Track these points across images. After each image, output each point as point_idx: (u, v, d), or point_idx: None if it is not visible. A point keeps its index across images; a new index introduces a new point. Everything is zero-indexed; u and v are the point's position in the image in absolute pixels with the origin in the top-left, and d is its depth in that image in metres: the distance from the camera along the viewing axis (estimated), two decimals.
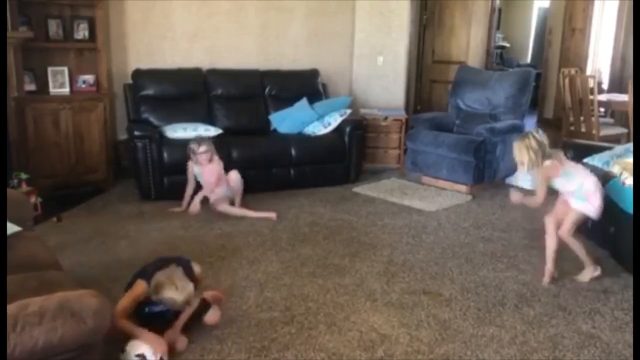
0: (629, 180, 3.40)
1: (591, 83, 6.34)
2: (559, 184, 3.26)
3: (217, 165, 4.41)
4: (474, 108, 5.66)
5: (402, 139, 5.88)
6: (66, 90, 4.93)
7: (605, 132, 6.33)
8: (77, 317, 1.66)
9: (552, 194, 3.31)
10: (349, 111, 5.52)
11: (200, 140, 4.45)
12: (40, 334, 1.60)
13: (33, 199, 4.00)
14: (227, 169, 4.54)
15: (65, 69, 4.93)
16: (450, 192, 5.15)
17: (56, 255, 2.73)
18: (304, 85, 5.80)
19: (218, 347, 2.63)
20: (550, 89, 8.96)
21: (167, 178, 4.68)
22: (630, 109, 6.02)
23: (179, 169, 4.64)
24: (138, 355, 2.37)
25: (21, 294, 1.78)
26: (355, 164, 5.45)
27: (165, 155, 4.65)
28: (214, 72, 5.49)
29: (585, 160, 4.13)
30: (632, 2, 8.32)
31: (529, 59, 12.01)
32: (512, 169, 5.52)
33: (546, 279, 3.34)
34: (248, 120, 5.44)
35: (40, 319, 1.61)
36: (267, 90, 5.67)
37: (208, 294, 2.87)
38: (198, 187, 4.46)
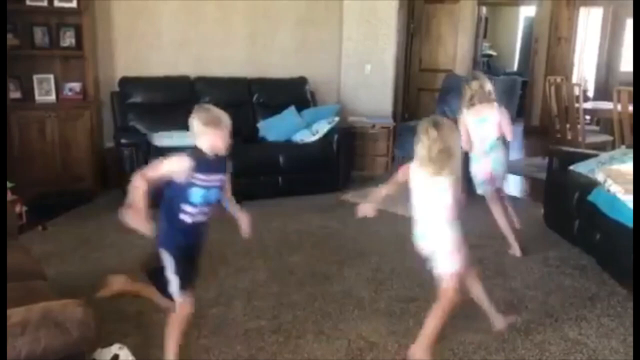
0: (613, 187, 3.43)
1: (577, 91, 6.41)
2: None
3: None
4: None
5: (390, 147, 5.90)
6: (52, 98, 4.90)
7: (591, 139, 6.39)
8: (61, 327, 1.64)
9: None
10: (337, 119, 5.53)
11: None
12: (23, 345, 1.57)
13: (18, 208, 3.96)
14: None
15: (52, 77, 4.90)
16: None
17: (41, 264, 2.71)
18: (292, 93, 5.81)
19: (205, 356, 2.61)
20: (537, 97, 9.05)
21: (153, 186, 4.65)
22: (615, 116, 6.08)
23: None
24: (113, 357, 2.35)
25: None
26: (344, 171, 5.46)
27: (152, 163, 4.61)
28: (202, 80, 5.49)
29: (571, 167, 4.17)
30: (614, 11, 8.45)
31: (515, 67, 12.11)
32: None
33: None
34: (236, 128, 5.30)
35: (23, 330, 1.59)
36: (255, 98, 5.68)
37: None
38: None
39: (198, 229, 2.46)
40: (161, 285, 2.43)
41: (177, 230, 2.40)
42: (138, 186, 2.35)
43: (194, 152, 2.42)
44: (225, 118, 2.55)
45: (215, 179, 2.48)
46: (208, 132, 2.44)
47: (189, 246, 2.44)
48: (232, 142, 2.55)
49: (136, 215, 2.27)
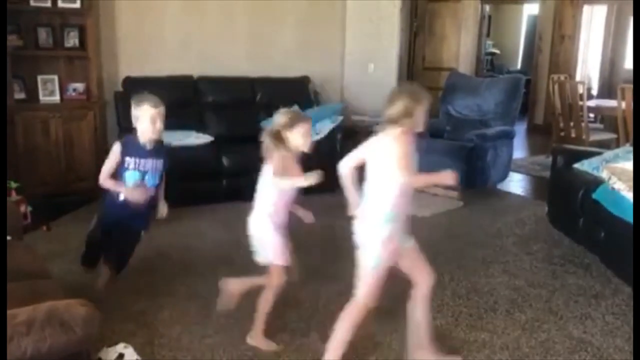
0: (617, 185, 3.42)
1: (580, 89, 6.40)
2: None
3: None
4: (464, 114, 5.69)
5: None
6: (56, 98, 4.91)
7: (595, 137, 6.38)
8: (66, 326, 1.65)
9: None
10: (340, 118, 5.53)
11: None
12: (29, 344, 1.58)
13: (22, 208, 3.97)
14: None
15: (55, 77, 4.91)
16: (442, 198, 5.15)
17: (45, 264, 2.72)
18: (295, 92, 5.80)
19: (209, 355, 2.62)
20: (540, 95, 9.03)
21: None
22: (619, 114, 6.06)
23: (170, 177, 4.61)
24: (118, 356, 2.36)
25: (10, 304, 1.77)
26: None
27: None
28: (205, 80, 5.49)
29: (575, 165, 4.17)
30: (618, 9, 8.42)
31: (519, 66, 12.10)
32: (503, 175, 5.56)
33: None
34: (239, 127, 5.43)
35: (29, 329, 1.59)
36: (258, 97, 5.68)
37: None
38: None
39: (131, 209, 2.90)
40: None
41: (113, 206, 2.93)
42: (110, 185, 2.91)
43: (127, 137, 2.93)
44: (148, 100, 2.91)
45: (147, 164, 2.89)
46: (138, 116, 2.88)
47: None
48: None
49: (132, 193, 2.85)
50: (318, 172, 2.52)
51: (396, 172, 2.29)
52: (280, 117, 2.63)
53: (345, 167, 2.60)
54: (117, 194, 2.90)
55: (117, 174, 2.89)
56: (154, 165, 2.92)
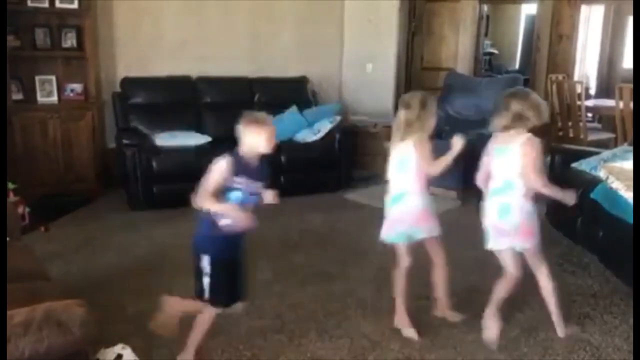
0: (615, 184, 3.41)
1: (579, 89, 6.40)
2: None
3: None
4: (462, 114, 5.69)
5: None
6: (54, 99, 4.91)
7: (593, 137, 6.39)
8: (64, 327, 1.64)
9: None
10: (338, 118, 5.53)
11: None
12: (26, 345, 1.58)
13: (21, 209, 3.97)
14: None
15: (53, 78, 4.91)
16: (440, 198, 5.14)
17: (44, 265, 2.72)
18: (294, 93, 5.81)
19: (207, 355, 2.61)
20: (539, 94, 8.90)
21: (156, 187, 4.66)
22: (617, 114, 6.07)
23: (169, 177, 4.62)
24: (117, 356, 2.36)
25: (8, 305, 1.76)
26: (345, 170, 5.46)
27: (154, 163, 4.63)
28: (203, 80, 5.49)
29: (573, 165, 4.17)
30: (615, 9, 8.43)
31: (517, 65, 12.09)
32: None
33: None
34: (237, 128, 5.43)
35: (26, 330, 1.59)
36: (256, 97, 5.68)
37: None
38: None
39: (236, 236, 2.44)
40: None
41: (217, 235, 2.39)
42: (212, 206, 2.35)
43: (233, 154, 2.44)
44: (264, 118, 2.60)
45: (255, 185, 2.45)
46: (248, 132, 2.50)
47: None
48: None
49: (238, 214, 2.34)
50: (461, 135, 2.70)
51: (530, 175, 2.54)
52: (414, 100, 2.71)
53: (481, 181, 2.83)
54: (216, 221, 2.38)
55: (218, 194, 2.41)
56: (259, 186, 2.50)
